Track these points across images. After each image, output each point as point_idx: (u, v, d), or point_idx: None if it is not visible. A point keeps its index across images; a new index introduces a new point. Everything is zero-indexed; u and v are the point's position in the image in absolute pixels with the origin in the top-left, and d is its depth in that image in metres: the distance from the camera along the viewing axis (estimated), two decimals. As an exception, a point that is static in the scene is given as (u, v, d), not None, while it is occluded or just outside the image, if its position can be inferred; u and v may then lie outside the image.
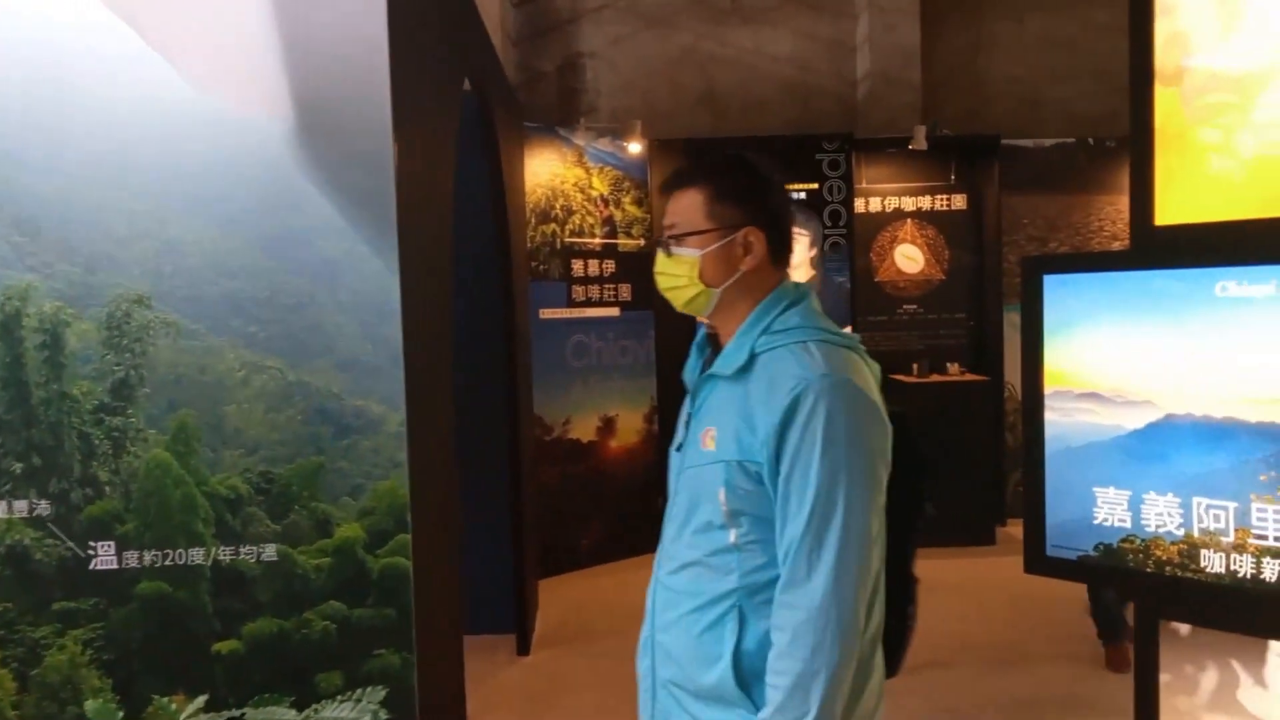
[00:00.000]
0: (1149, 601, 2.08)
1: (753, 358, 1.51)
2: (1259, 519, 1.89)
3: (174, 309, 1.81)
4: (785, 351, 1.49)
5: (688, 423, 1.62)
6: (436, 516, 2.07)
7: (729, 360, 1.53)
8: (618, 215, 5.97)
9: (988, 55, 7.66)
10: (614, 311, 5.87)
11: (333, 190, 1.77)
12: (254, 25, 1.76)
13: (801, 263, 6.20)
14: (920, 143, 6.47)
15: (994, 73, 7.62)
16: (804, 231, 6.20)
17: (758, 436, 1.45)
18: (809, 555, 1.40)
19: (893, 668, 1.57)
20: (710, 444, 1.52)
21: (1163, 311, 2.01)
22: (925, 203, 6.85)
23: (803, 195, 6.23)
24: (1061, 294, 2.17)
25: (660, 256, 1.61)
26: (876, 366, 1.59)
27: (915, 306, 6.83)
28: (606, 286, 5.88)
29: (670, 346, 6.14)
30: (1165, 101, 2.02)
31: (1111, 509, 2.10)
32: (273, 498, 1.83)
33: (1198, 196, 2.00)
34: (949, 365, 6.37)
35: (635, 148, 5.95)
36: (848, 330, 2.51)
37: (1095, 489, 2.13)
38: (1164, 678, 2.05)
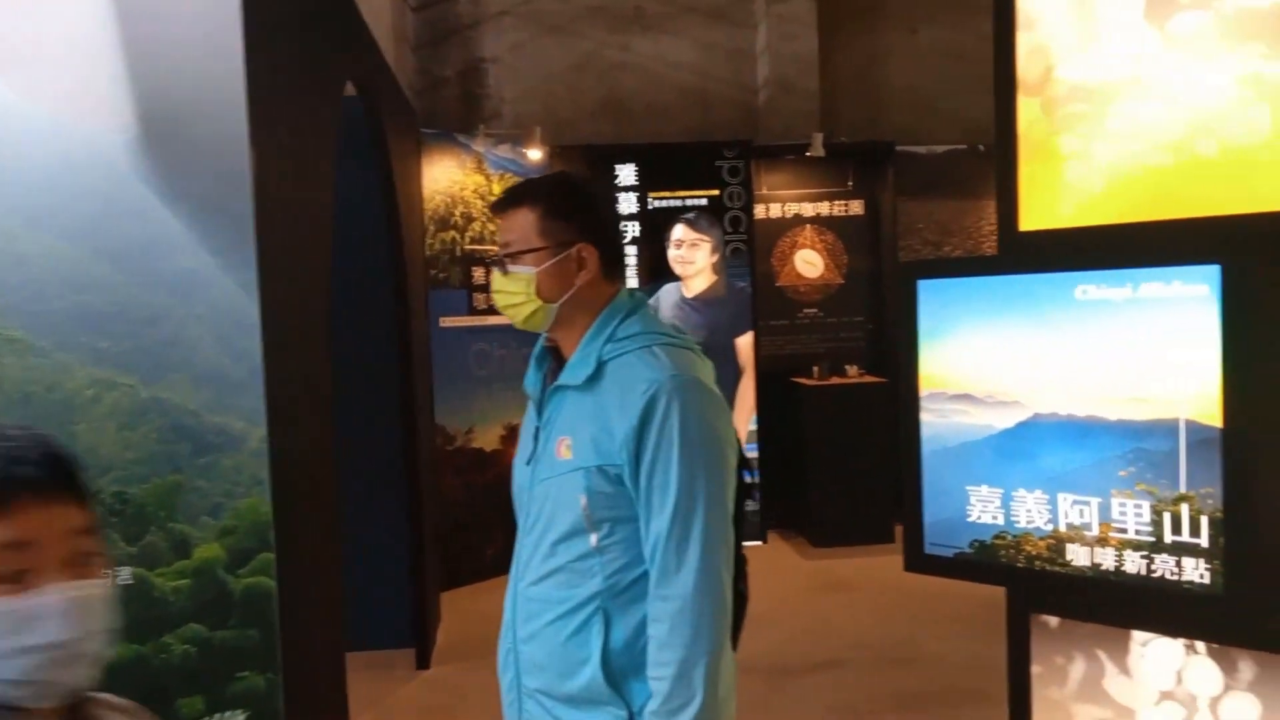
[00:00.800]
0: (1020, 595, 2.14)
1: (600, 366, 1.55)
2: (1119, 513, 1.96)
3: (19, 325, 1.73)
4: (633, 357, 1.54)
5: (536, 435, 1.64)
6: (308, 533, 2.02)
7: (577, 370, 1.57)
8: (518, 222, 5.94)
9: (884, 65, 7.84)
10: (516, 319, 5.83)
11: (185, 201, 1.72)
12: (91, 32, 1.69)
13: (704, 269, 6.25)
14: (818, 150, 6.59)
15: (890, 81, 7.80)
16: (705, 238, 6.24)
17: (615, 440, 1.49)
18: (677, 548, 1.47)
19: (734, 643, 1.64)
20: (566, 453, 1.55)
21: (1028, 314, 2.07)
22: (824, 208, 6.97)
23: (704, 202, 6.28)
24: (935, 298, 2.22)
25: (497, 276, 1.64)
26: (710, 365, 1.67)
27: (815, 310, 6.94)
28: (508, 294, 5.83)
29: (574, 353, 6.12)
30: (1028, 111, 2.08)
31: (985, 507, 2.16)
32: (128, 519, 1.76)
33: (1059, 203, 2.06)
34: (848, 367, 6.49)
35: (535, 154, 5.93)
36: (695, 338, 2.53)
37: (969, 488, 2.18)
38: (1036, 669, 2.11)
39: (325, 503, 2.21)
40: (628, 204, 6.20)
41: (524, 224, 1.60)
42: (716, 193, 6.30)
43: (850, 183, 6.99)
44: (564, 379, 1.59)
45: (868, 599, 5.00)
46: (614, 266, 1.66)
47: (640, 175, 6.21)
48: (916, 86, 7.51)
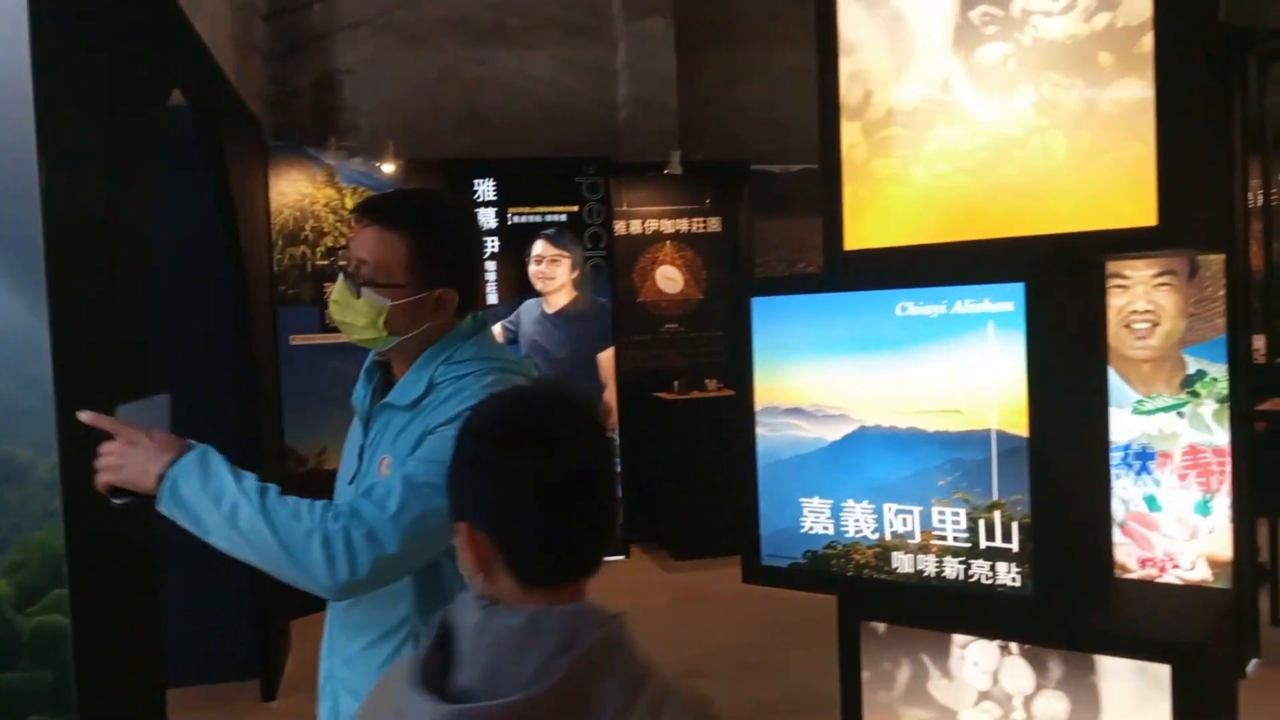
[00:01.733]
0: (850, 603, 2.19)
1: (431, 388, 1.52)
2: (939, 521, 2.03)
3: None
4: (464, 382, 1.51)
5: (361, 453, 1.60)
6: (114, 565, 1.91)
7: (406, 391, 1.54)
8: (373, 237, 5.82)
9: (741, 84, 8.01)
10: (372, 336, 5.71)
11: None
12: None
13: (564, 285, 6.25)
14: (675, 168, 6.68)
15: (748, 101, 7.98)
16: (565, 254, 6.24)
17: None
18: (397, 503, 1.40)
19: None
20: (388, 472, 1.51)
21: (853, 331, 2.13)
22: (683, 225, 7.07)
23: (564, 218, 6.29)
24: (769, 315, 2.27)
25: (342, 289, 1.55)
26: None
27: (676, 325, 7.02)
28: (363, 310, 5.71)
29: (432, 370, 6.03)
30: (850, 134, 2.15)
31: (816, 518, 2.21)
32: (-97, 557, 1.63)
33: (881, 223, 2.14)
34: (708, 381, 6.58)
35: (389, 168, 5.83)
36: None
37: (802, 499, 2.23)
38: (866, 674, 2.17)
39: (138, 532, 2.09)
40: (487, 219, 6.15)
41: (390, 253, 1.52)
42: (576, 209, 6.31)
43: (708, 200, 7.11)
44: (392, 397, 1.55)
45: (727, 610, 5.07)
46: (470, 308, 1.62)
47: (500, 190, 6.18)
48: (772, 106, 7.70)
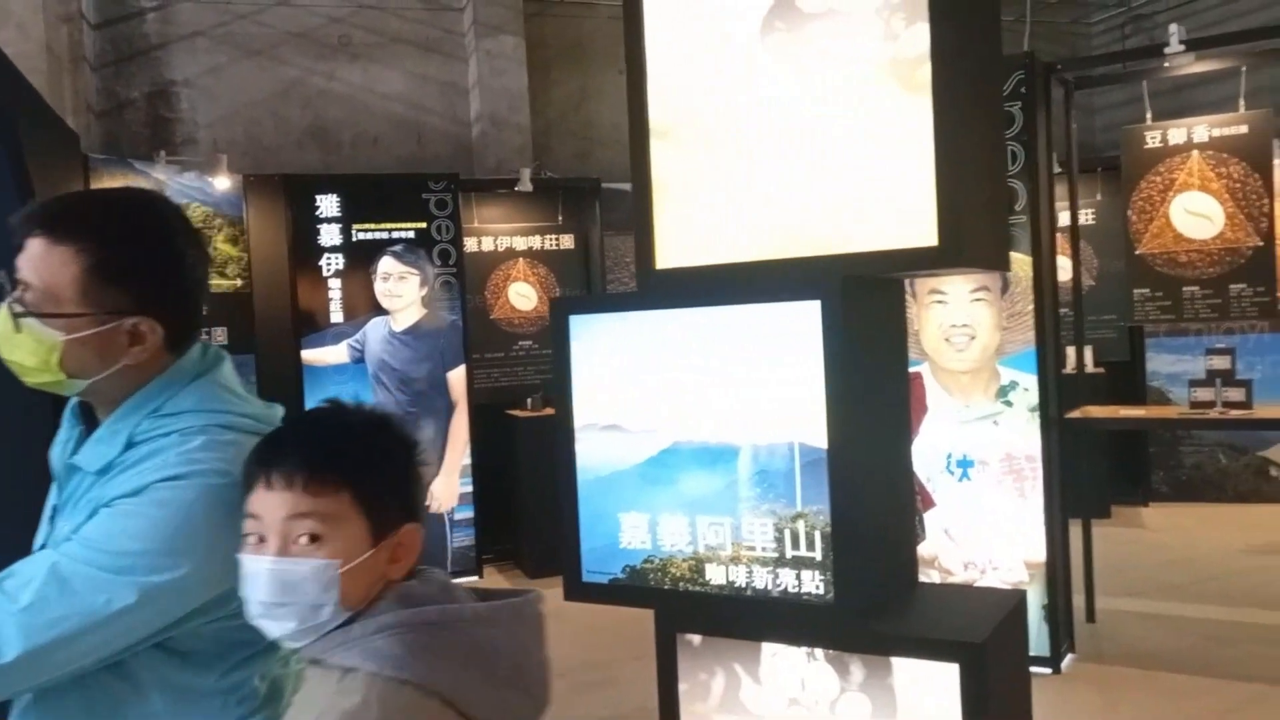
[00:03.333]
0: (667, 616, 2.22)
1: (129, 446, 1.24)
2: (749, 532, 2.08)
3: None
4: (168, 441, 1.24)
5: (53, 516, 1.33)
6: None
7: (96, 453, 1.25)
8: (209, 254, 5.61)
9: (593, 103, 8.09)
10: (208, 357, 5.51)
11: None
12: None
13: (413, 302, 6.16)
14: (525, 185, 6.69)
15: (599, 119, 8.06)
16: (413, 271, 6.16)
17: None
18: (31, 596, 1.13)
19: None
20: None
21: (667, 347, 2.17)
22: (536, 242, 7.07)
23: (411, 234, 6.20)
24: (586, 332, 2.29)
25: (3, 316, 1.22)
26: None
27: (530, 343, 7.01)
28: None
29: (274, 390, 5.84)
30: (661, 154, 2.20)
31: (634, 532, 2.23)
32: None
33: (692, 241, 2.18)
34: (561, 399, 6.57)
35: (223, 183, 5.64)
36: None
37: (620, 515, 2.25)
38: (683, 686, 2.20)
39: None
40: (330, 236, 6.01)
41: (57, 270, 1.19)
42: (424, 225, 6.24)
43: (560, 217, 7.14)
44: (80, 458, 1.26)
45: (573, 626, 5.06)
46: (185, 341, 1.32)
47: (344, 206, 6.05)
48: (621, 125, 7.74)
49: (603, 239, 7.06)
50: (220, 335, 5.57)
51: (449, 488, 6.21)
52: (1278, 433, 7.34)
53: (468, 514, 6.24)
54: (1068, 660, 4.28)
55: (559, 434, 2.33)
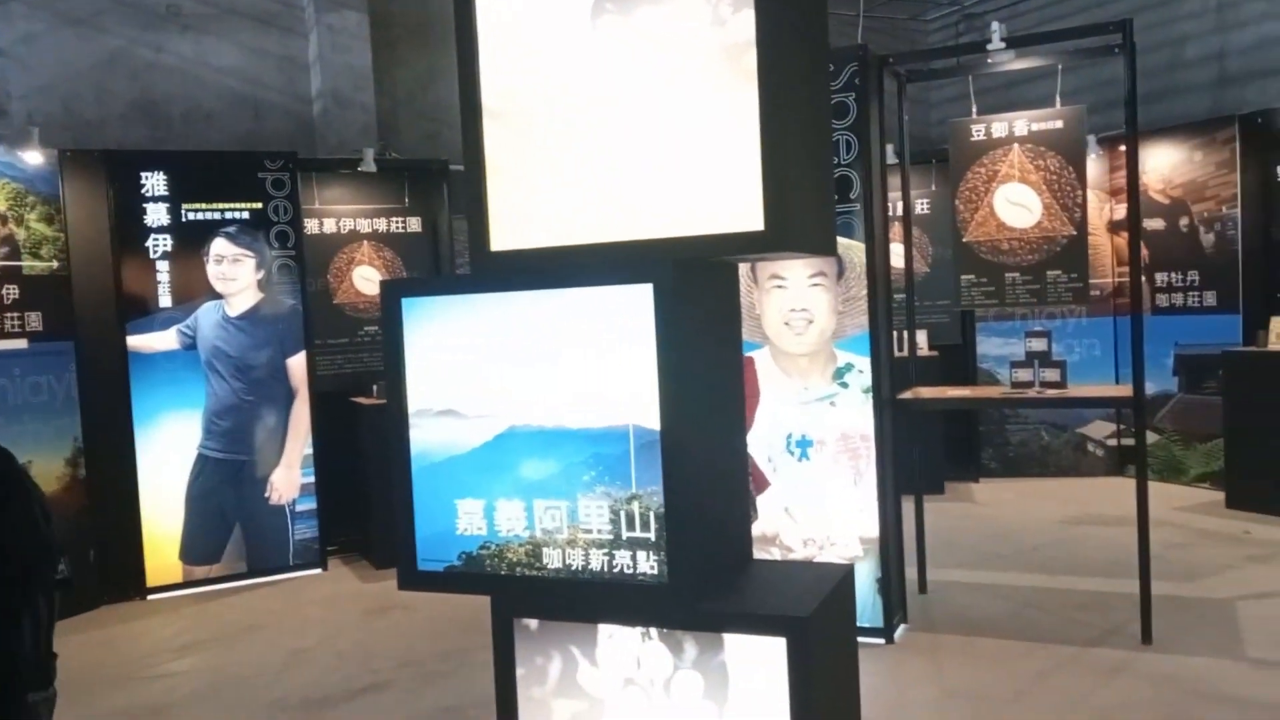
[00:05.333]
0: (504, 602, 2.20)
1: None
2: (585, 515, 2.08)
3: None
4: None
5: None
6: None
7: None
8: (20, 234, 5.23)
9: (442, 84, 7.92)
10: (21, 343, 5.14)
11: None
12: None
13: (249, 286, 5.90)
14: (369, 165, 6.50)
15: (448, 101, 7.90)
16: (249, 254, 5.91)
17: None
18: None
19: None
20: None
21: (502, 331, 2.14)
22: (381, 225, 6.89)
23: (246, 215, 5.94)
24: (420, 316, 2.23)
25: None
26: None
27: (375, 328, 6.83)
28: (10, 315, 5.13)
29: (97, 379, 5.52)
30: (495, 136, 2.16)
31: (470, 519, 2.20)
32: None
33: (525, 224, 2.16)
34: (408, 385, 6.44)
35: (34, 158, 5.26)
36: None
37: (456, 501, 2.21)
38: (520, 671, 2.19)
39: None
40: (157, 216, 5.70)
41: None
42: (261, 205, 5.98)
43: (407, 200, 6.98)
44: None
45: (424, 616, 4.99)
46: None
47: (172, 185, 5.74)
48: (472, 107, 7.65)
49: (451, 222, 6.94)
50: (35, 320, 5.21)
51: (290, 479, 6.00)
52: (1096, 411, 7.86)
53: (310, 505, 6.05)
54: (900, 630, 4.47)
55: (392, 420, 2.27)
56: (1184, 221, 7.42)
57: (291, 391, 6.01)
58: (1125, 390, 4.58)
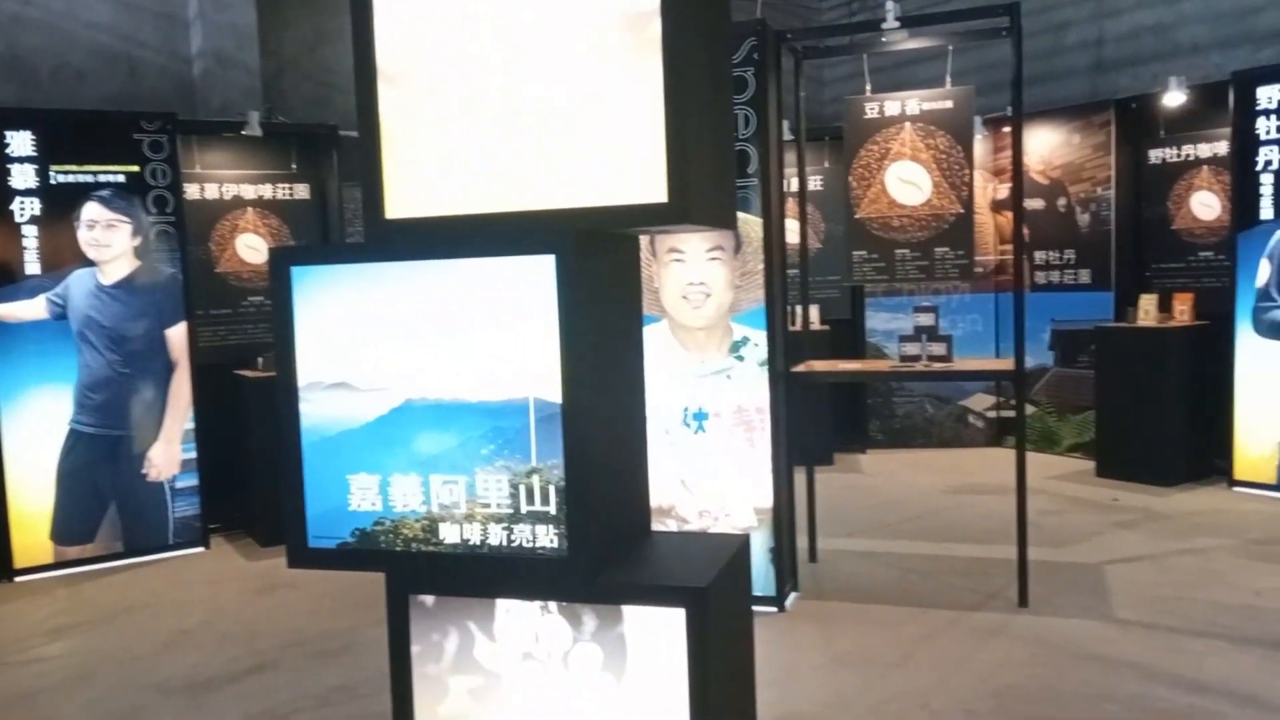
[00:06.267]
0: (399, 578, 2.16)
1: None
2: (484, 489, 2.06)
3: None
4: None
5: None
6: None
7: None
8: None
9: (331, 46, 7.66)
10: None
11: None
12: None
13: (124, 253, 5.63)
14: (254, 129, 6.26)
15: (337, 64, 7.65)
16: (124, 219, 5.63)
17: None
18: None
19: None
20: None
21: (397, 301, 2.09)
22: (267, 191, 6.65)
23: (121, 178, 5.65)
24: (312, 285, 2.16)
25: None
26: None
27: (261, 298, 6.61)
28: None
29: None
30: (391, 102, 2.10)
31: (364, 494, 2.15)
32: None
33: (423, 192, 2.10)
34: (296, 358, 6.25)
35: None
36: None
37: (349, 476, 2.16)
38: (415, 648, 2.16)
39: None
40: (23, 177, 5.38)
41: None
42: (137, 169, 5.70)
43: (294, 165, 6.75)
44: None
45: (311, 594, 4.88)
46: None
47: (40, 145, 5.42)
48: (362, 71, 7.42)
49: (341, 190, 6.75)
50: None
51: (169, 455, 5.77)
52: (976, 384, 8.15)
53: (191, 482, 5.83)
54: (791, 599, 4.57)
55: (281, 393, 2.20)
56: (1061, 202, 7.72)
57: (171, 364, 5.78)
58: (1007, 364, 4.75)
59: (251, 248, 6.57)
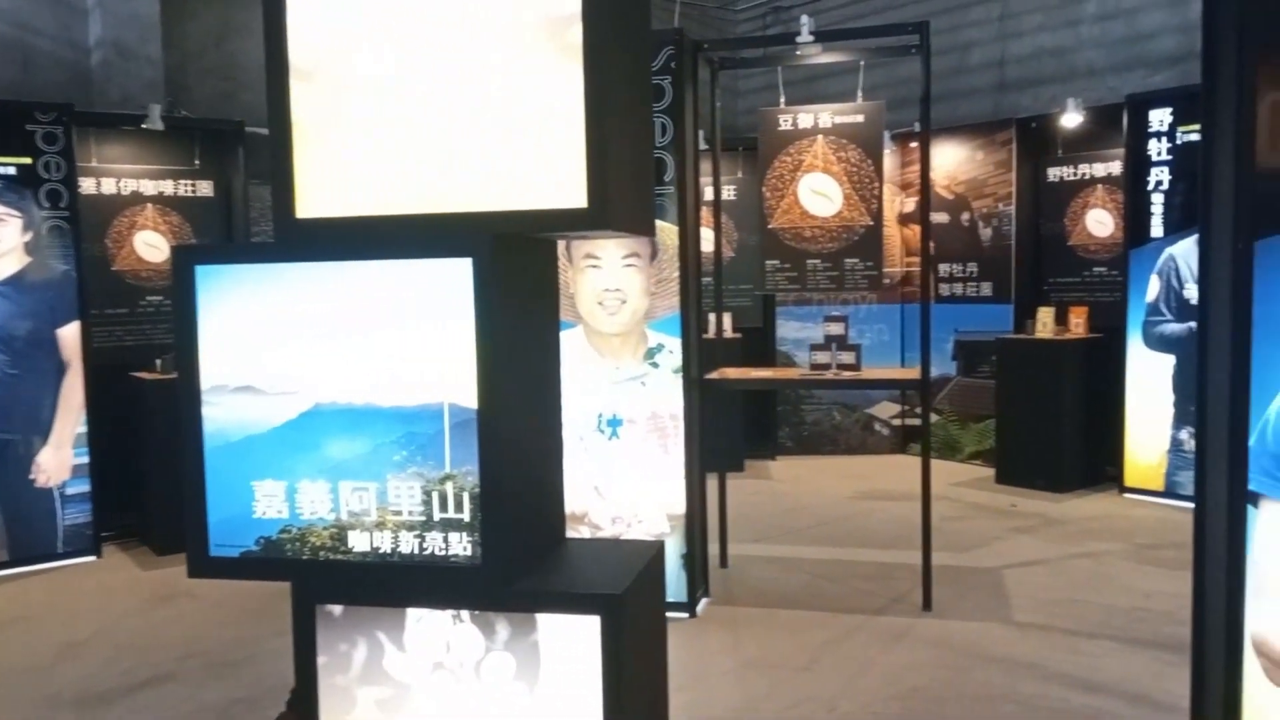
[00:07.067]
0: (306, 588, 2.11)
1: None
2: (395, 496, 2.02)
3: None
4: None
5: None
6: None
7: None
8: None
9: (239, 40, 7.46)
10: None
11: None
12: None
13: (13, 249, 5.39)
14: (155, 122, 6.05)
15: (245, 59, 7.45)
16: (14, 213, 5.39)
17: None
18: None
19: None
20: None
21: (308, 303, 2.04)
22: (168, 187, 6.43)
23: (12, 170, 5.40)
24: (217, 285, 2.09)
25: None
26: None
27: (160, 298, 6.38)
28: None
29: None
30: (304, 98, 2.04)
31: (270, 501, 2.09)
32: None
33: (337, 192, 2.05)
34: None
35: None
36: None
37: (254, 482, 2.10)
38: (322, 659, 2.10)
39: None
40: (-97, 167, 5.11)
41: None
42: (29, 161, 5.46)
43: (198, 161, 6.54)
44: None
45: (211, 604, 4.72)
46: None
47: (-78, 133, 5.15)
48: (271, 67, 7.24)
49: (247, 187, 6.56)
50: None
51: (59, 459, 5.53)
52: (882, 392, 8.32)
53: (82, 488, 5.59)
54: (702, 604, 4.60)
55: (183, 396, 2.13)
56: (965, 216, 7.95)
57: (62, 364, 5.54)
58: (913, 373, 4.86)
59: (151, 245, 6.35)
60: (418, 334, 1.97)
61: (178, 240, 6.37)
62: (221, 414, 2.10)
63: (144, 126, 6.08)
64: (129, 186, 6.29)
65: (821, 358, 4.80)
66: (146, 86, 6.82)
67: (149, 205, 6.34)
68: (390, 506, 2.02)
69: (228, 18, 7.47)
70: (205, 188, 6.55)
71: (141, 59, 6.87)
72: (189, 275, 2.10)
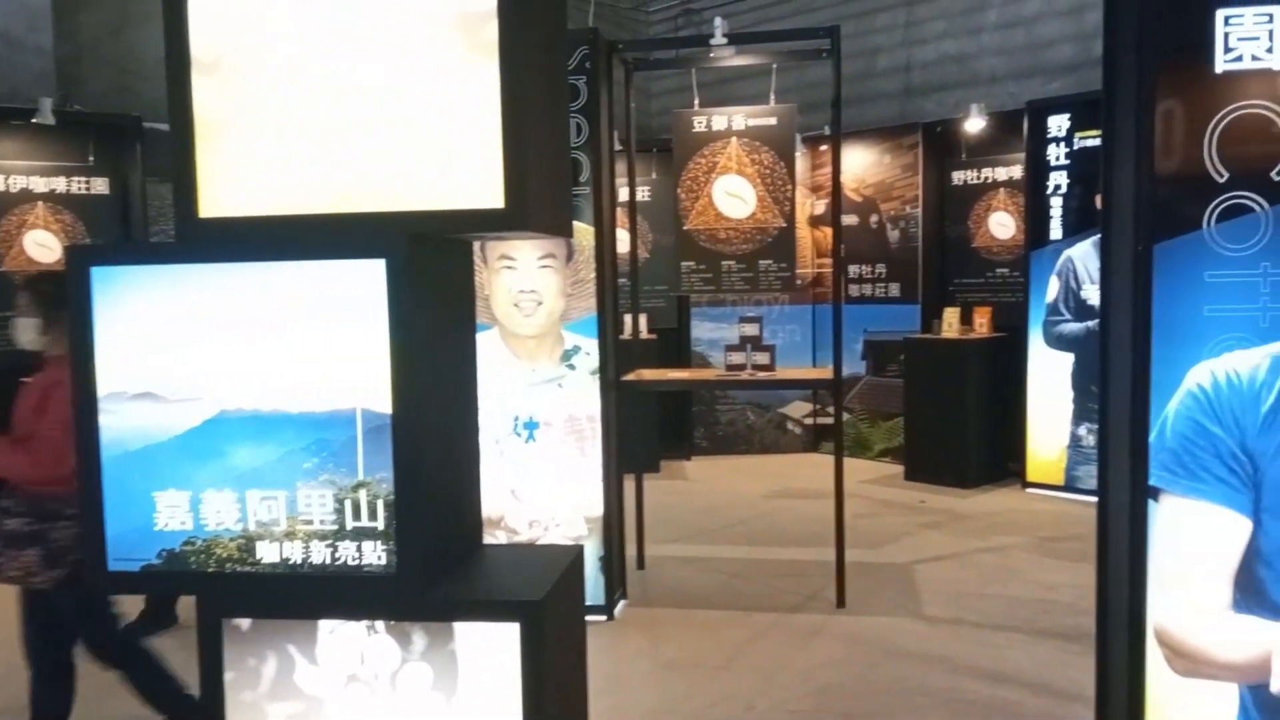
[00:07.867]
0: (212, 602, 2.03)
1: None
2: (305, 505, 1.95)
3: None
4: None
5: None
6: None
7: None
8: None
9: (136, 31, 7.19)
10: None
11: None
12: None
13: (-109, 247, 5.10)
14: (46, 117, 5.80)
15: (142, 50, 7.18)
16: (-109, 209, 5.10)
17: None
18: None
19: None
20: None
21: (212, 305, 1.96)
22: (60, 184, 6.17)
23: (-112, 165, 5.12)
24: (114, 287, 2.00)
25: None
26: None
27: (53, 299, 6.11)
28: None
29: None
30: (207, 93, 1.97)
31: (173, 512, 2.00)
32: None
33: (243, 190, 1.98)
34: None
35: None
36: None
37: (156, 494, 2.01)
38: (229, 675, 2.03)
39: None
40: None
41: None
42: (-93, 156, 5.18)
43: (92, 158, 6.29)
44: None
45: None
46: None
47: None
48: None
49: (145, 185, 6.34)
50: None
51: (-56, 469, 5.25)
52: (795, 392, 8.43)
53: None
54: (620, 606, 4.59)
55: (78, 404, 2.03)
56: (874, 218, 8.10)
57: (-54, 370, 5.26)
58: (826, 373, 4.93)
59: (42, 245, 6.08)
60: (328, 338, 1.92)
61: (71, 240, 6.12)
62: (120, 422, 2.01)
63: (34, 121, 5.82)
64: (18, 184, 6.02)
65: (737, 358, 4.83)
66: (36, 79, 6.52)
67: (40, 203, 6.08)
68: (301, 516, 1.95)
69: (125, 7, 7.19)
70: (100, 185, 6.31)
71: (30, 50, 6.58)
72: (84, 277, 2.00)
